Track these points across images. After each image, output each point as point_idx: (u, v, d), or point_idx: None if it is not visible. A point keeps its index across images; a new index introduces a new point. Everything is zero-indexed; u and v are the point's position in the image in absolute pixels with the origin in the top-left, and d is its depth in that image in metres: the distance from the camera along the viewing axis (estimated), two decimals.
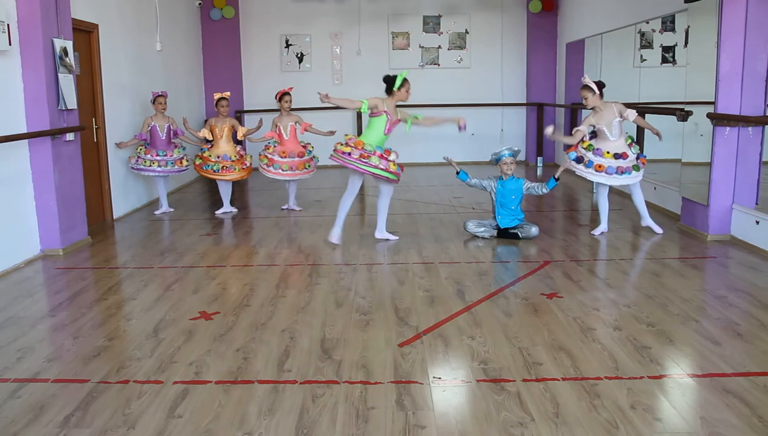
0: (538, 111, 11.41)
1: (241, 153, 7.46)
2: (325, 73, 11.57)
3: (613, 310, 4.11)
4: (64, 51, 5.77)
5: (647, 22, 8.33)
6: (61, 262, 5.54)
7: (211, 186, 9.79)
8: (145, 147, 7.39)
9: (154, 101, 7.41)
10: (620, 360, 3.34)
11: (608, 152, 5.91)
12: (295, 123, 7.27)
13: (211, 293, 4.64)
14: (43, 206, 5.67)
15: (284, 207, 7.73)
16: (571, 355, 3.42)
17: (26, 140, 5.50)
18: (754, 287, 4.53)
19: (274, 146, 7.30)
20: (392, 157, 5.72)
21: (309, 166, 7.35)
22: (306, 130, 7.28)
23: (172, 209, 7.73)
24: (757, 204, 5.71)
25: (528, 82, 11.59)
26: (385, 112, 5.62)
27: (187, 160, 7.60)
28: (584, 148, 6.02)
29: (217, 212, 7.52)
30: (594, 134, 6.11)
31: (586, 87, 5.94)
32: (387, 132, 5.67)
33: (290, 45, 11.52)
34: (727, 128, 5.67)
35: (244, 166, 7.40)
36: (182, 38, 10.07)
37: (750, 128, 5.61)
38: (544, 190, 5.93)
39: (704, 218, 5.89)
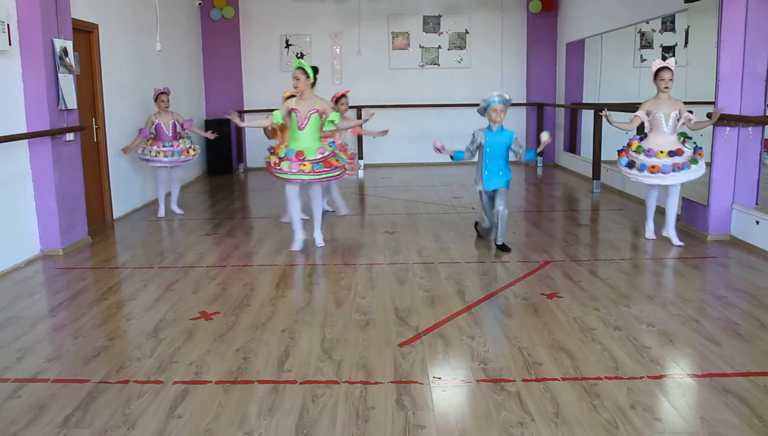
0: (538, 111, 11.41)
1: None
2: (325, 73, 11.53)
3: (613, 310, 4.11)
4: (64, 51, 5.77)
5: (647, 22, 8.34)
6: (61, 262, 5.54)
7: (211, 186, 9.79)
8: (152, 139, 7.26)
9: (156, 99, 7.29)
10: (620, 360, 3.34)
11: (662, 151, 5.46)
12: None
13: (211, 293, 4.63)
14: (43, 206, 5.67)
15: (328, 210, 7.26)
16: (571, 355, 3.42)
17: (26, 140, 5.50)
18: (754, 287, 4.53)
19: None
20: (312, 156, 5.47)
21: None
22: (358, 133, 6.95)
23: (181, 212, 7.53)
24: (757, 204, 5.71)
25: (528, 82, 11.59)
26: (292, 109, 5.54)
27: (195, 150, 7.41)
28: (635, 152, 5.61)
29: (284, 219, 6.88)
30: (643, 136, 5.74)
31: (669, 69, 5.45)
32: (301, 127, 5.50)
33: (290, 45, 11.52)
34: (727, 128, 5.67)
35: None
36: (182, 38, 10.06)
37: (750, 128, 5.61)
38: (523, 158, 5.63)
39: (704, 218, 5.89)
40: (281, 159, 5.51)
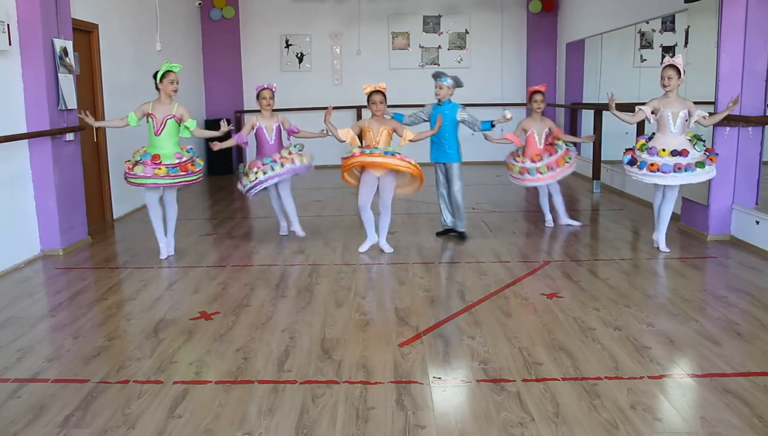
0: None
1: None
2: (325, 73, 11.57)
3: (613, 310, 4.11)
4: (64, 51, 5.77)
5: (647, 22, 8.34)
6: (61, 262, 5.54)
7: (211, 186, 9.79)
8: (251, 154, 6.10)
9: (257, 96, 5.92)
10: (620, 360, 3.34)
11: (664, 150, 5.19)
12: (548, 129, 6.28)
13: (211, 293, 4.63)
14: (43, 206, 5.67)
15: (566, 222, 6.56)
16: (571, 355, 3.42)
17: (26, 140, 5.50)
18: (754, 287, 4.53)
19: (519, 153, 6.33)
20: (168, 160, 5.21)
21: (569, 159, 6.19)
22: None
23: (303, 234, 6.09)
24: (757, 204, 5.71)
25: (528, 82, 11.57)
26: (148, 114, 5.32)
27: (302, 157, 5.87)
28: (638, 150, 5.36)
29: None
30: (651, 136, 5.51)
31: (675, 67, 5.13)
32: (156, 133, 5.29)
33: (290, 45, 11.52)
34: (727, 128, 5.67)
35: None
36: (182, 38, 10.07)
37: (750, 128, 5.61)
38: (476, 129, 5.65)
39: (704, 217, 5.89)
40: (136, 163, 5.24)
